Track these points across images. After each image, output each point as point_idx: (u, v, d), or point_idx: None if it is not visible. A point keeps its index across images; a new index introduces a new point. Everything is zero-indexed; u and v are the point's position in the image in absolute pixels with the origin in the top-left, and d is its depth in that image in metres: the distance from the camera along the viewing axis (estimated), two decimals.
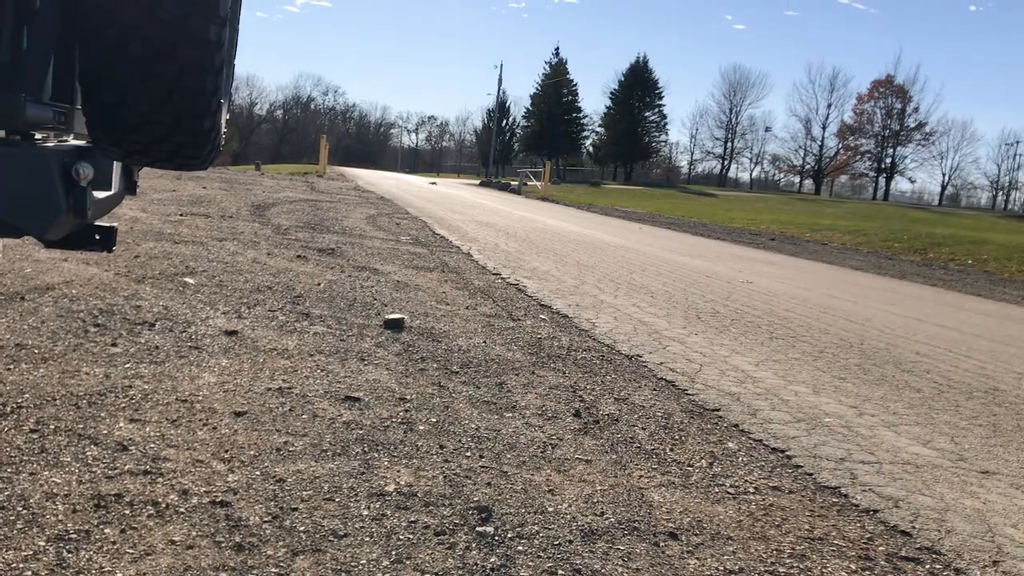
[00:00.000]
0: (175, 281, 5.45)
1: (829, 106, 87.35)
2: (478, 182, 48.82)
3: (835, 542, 2.50)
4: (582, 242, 12.61)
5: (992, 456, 3.50)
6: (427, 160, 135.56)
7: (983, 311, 8.97)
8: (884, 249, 19.54)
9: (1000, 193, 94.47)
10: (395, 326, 4.96)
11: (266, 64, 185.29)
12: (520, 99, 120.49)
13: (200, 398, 3.17)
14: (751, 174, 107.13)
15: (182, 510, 2.23)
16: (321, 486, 2.50)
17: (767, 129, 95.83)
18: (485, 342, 4.83)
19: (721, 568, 2.25)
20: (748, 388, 4.30)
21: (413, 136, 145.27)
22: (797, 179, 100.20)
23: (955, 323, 7.56)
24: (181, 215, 9.70)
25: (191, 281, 5.53)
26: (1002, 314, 8.91)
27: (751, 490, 2.87)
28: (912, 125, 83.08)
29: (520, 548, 2.23)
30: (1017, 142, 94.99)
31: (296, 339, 4.34)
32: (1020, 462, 3.46)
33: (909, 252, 19.14)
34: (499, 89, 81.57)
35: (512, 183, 40.68)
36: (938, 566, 2.40)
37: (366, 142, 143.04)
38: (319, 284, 6.15)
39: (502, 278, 7.67)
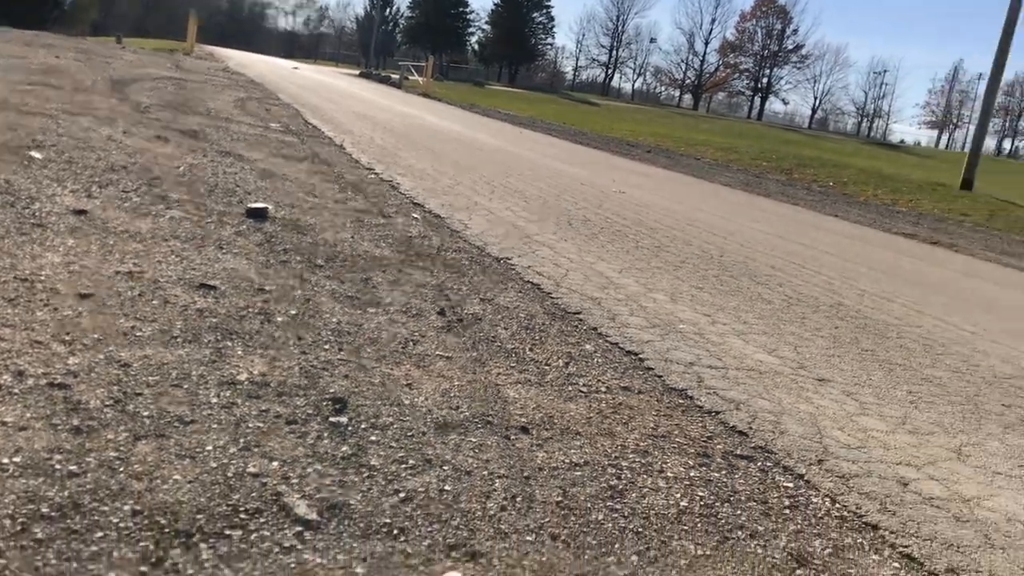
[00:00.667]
0: (20, 154, 5.08)
1: (713, 21, 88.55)
2: (357, 72, 47.30)
3: (677, 440, 2.62)
4: (462, 142, 12.47)
5: (830, 365, 3.73)
6: (304, 45, 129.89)
7: (838, 231, 9.44)
8: (753, 167, 20.17)
9: (865, 120, 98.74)
10: (258, 215, 4.80)
11: None
12: None
13: (42, 278, 3.00)
14: (633, 85, 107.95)
15: (16, 391, 2.13)
16: (169, 372, 2.42)
17: (652, 40, 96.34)
18: (353, 237, 4.74)
19: (567, 461, 2.33)
20: (610, 294, 4.40)
21: (290, 19, 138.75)
22: (677, 93, 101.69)
23: (811, 241, 7.93)
24: (30, 85, 9.01)
25: (38, 155, 5.17)
26: (855, 235, 9.40)
27: (603, 389, 2.97)
28: (790, 47, 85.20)
29: (373, 438, 2.24)
30: (884, 71, 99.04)
31: (151, 222, 4.14)
32: (853, 371, 3.70)
33: (776, 171, 19.84)
34: None
35: (393, 76, 39.62)
36: (769, 463, 2.56)
37: (239, 21, 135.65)
38: (179, 167, 5.87)
39: (376, 174, 7.51)
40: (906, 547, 2.16)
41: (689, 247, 6.34)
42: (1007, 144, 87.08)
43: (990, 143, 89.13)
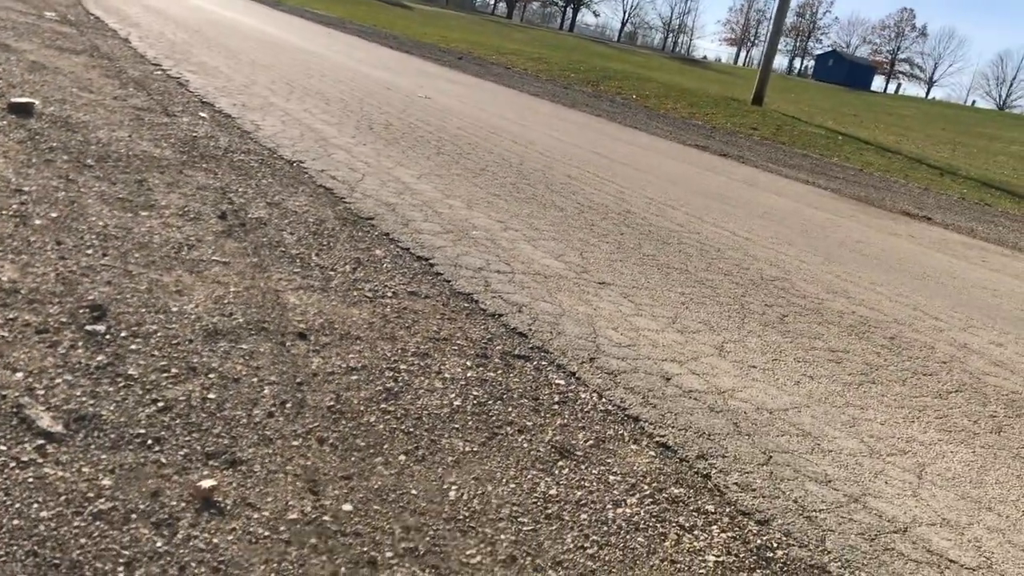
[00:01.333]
0: None
1: None
2: None
3: (458, 342, 2.66)
4: (262, 40, 11.85)
5: (612, 270, 3.88)
6: None
7: (635, 142, 9.76)
8: (561, 78, 20.42)
9: (671, 35, 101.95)
10: (22, 111, 4.37)
11: None
12: None
13: None
14: None
15: None
16: None
17: None
18: (131, 136, 4.43)
19: (344, 366, 2.31)
20: (406, 200, 4.36)
21: None
22: (492, 0, 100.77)
23: (608, 151, 8.16)
24: None
25: None
26: (651, 146, 9.76)
27: (389, 295, 2.95)
28: None
29: (133, 347, 2.13)
30: None
31: None
32: (633, 275, 3.87)
33: (583, 83, 20.18)
34: None
35: None
36: (544, 362, 2.65)
37: None
38: None
39: (163, 70, 7.02)
40: (663, 437, 2.31)
41: (490, 155, 6.36)
42: (797, 63, 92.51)
43: (782, 61, 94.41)
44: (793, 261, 4.90)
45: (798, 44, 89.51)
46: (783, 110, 21.26)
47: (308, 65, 9.72)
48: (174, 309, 2.41)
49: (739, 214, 6.10)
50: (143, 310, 2.35)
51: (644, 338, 3.04)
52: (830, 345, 3.46)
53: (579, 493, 1.93)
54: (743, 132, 15.26)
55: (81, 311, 2.26)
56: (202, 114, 5.52)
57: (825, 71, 65.25)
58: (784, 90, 37.27)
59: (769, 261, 4.77)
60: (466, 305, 3.02)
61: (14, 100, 4.46)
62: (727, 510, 2.01)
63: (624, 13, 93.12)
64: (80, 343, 2.09)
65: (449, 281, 3.23)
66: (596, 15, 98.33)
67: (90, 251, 2.70)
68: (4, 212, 2.86)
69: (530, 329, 2.88)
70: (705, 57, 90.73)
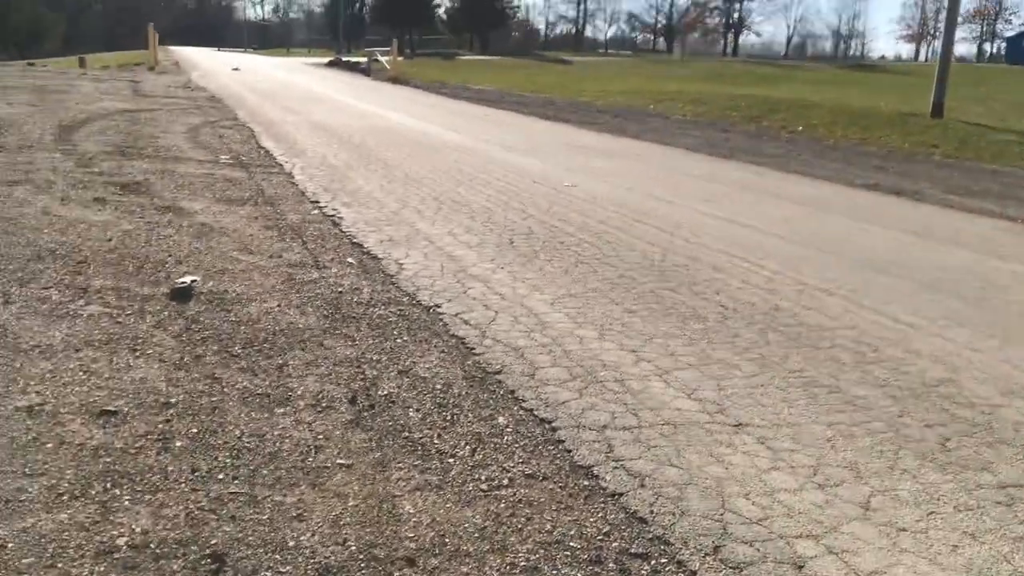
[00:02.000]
0: None
1: None
2: (327, 60, 46.89)
3: (571, 544, 2.61)
4: (419, 144, 12.36)
5: (751, 403, 3.70)
6: (277, 34, 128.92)
7: (797, 198, 9.35)
8: (722, 119, 20.02)
9: (841, 42, 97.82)
10: (182, 296, 4.76)
11: None
12: None
13: None
14: (606, 36, 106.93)
15: None
16: (45, 548, 2.41)
17: None
18: (280, 305, 4.71)
19: None
20: (535, 339, 4.37)
21: (259, 8, 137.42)
22: (652, 37, 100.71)
23: (764, 221, 7.86)
24: None
25: None
26: (813, 200, 9.32)
27: (505, 482, 2.95)
28: None
29: None
30: None
31: (65, 327, 4.12)
32: (774, 406, 3.67)
33: (745, 121, 19.69)
34: None
35: (362, 62, 39.26)
36: (663, 559, 2.55)
37: (208, 16, 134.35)
38: (110, 239, 5.83)
39: (319, 208, 7.46)
40: None
41: (632, 253, 6.29)
42: (988, 48, 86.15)
43: (969, 48, 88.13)
44: (963, 351, 4.49)
45: (985, 28, 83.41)
46: (968, 116, 19.80)
47: (459, 167, 10.03)
48: (291, 544, 2.51)
49: (904, 288, 5.69)
50: (261, 551, 2.46)
51: (779, 505, 2.87)
52: (1000, 479, 3.13)
53: None
54: (921, 154, 14.32)
55: (203, 563, 2.40)
56: (350, 259, 5.80)
57: (1019, 53, 60.38)
58: (973, 83, 34.76)
59: (934, 356, 4.40)
60: (586, 484, 2.97)
61: (176, 285, 4.86)
62: None
63: (788, 28, 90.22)
64: None
65: (570, 451, 3.19)
66: (758, 35, 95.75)
67: (222, 475, 2.87)
68: (151, 437, 3.10)
69: (651, 511, 2.79)
70: (883, 57, 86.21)
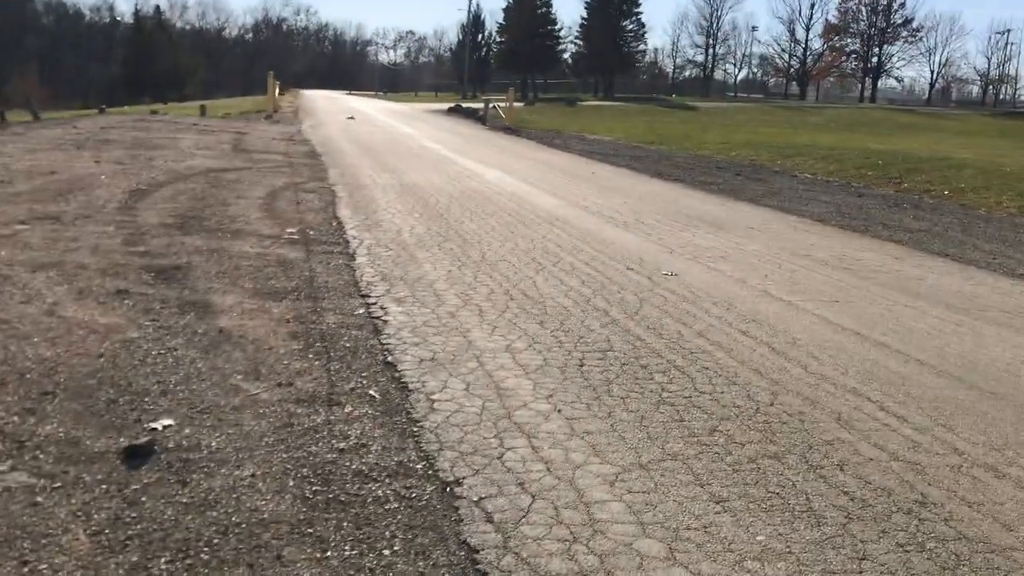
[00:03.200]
0: None
1: (812, 6, 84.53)
2: (448, 107, 47.01)
3: None
4: (509, 213, 11.31)
5: None
6: (407, 77, 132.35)
7: (946, 297, 7.76)
8: (857, 179, 18.30)
9: (991, 87, 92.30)
10: (138, 456, 3.76)
11: None
12: (496, 12, 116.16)
13: None
14: (735, 79, 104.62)
15: None
16: None
17: (754, 29, 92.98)
18: (255, 475, 3.64)
19: None
20: (577, 559, 3.13)
21: (391, 53, 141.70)
22: (784, 79, 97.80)
23: (903, 333, 6.37)
24: (22, 222, 8.39)
25: None
26: (966, 301, 7.70)
27: None
28: (899, 21, 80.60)
29: None
30: (1008, 31, 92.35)
31: None
32: None
33: (883, 182, 17.91)
34: (471, 2, 78.54)
35: (479, 109, 38.94)
36: None
37: (343, 62, 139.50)
38: (101, 356, 4.94)
39: (367, 304, 6.44)
40: None
41: (732, 387, 4.97)
42: None
43: None
44: None
45: None
46: None
47: (545, 248, 8.88)
48: None
49: None
50: None
51: None
52: None
53: None
54: None
55: None
56: (372, 391, 4.71)
57: None
58: None
59: None
60: None
61: (136, 442, 3.86)
62: None
63: (932, 73, 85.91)
64: None
65: None
66: (899, 80, 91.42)
67: None
68: None
69: None
70: None
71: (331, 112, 38.14)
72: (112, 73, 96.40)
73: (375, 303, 6.46)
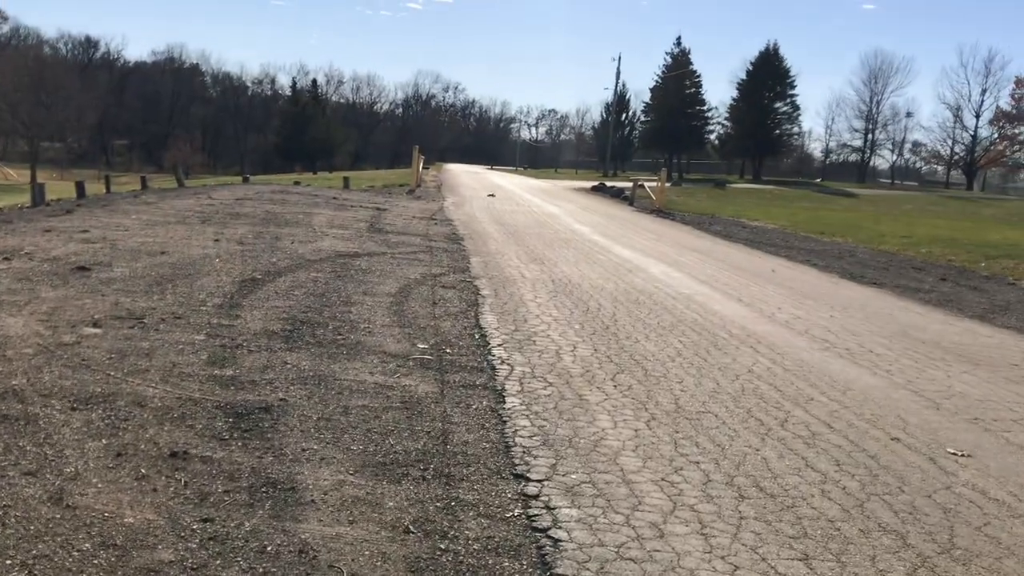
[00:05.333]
0: None
1: (984, 92, 79.29)
2: (591, 185, 45.31)
3: None
4: (692, 325, 9.00)
5: None
6: (547, 155, 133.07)
7: None
8: None
9: None
10: None
11: (387, 62, 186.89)
12: (641, 92, 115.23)
13: None
14: (892, 165, 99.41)
15: None
16: None
17: (909, 115, 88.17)
18: None
19: None
20: None
21: (533, 130, 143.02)
22: (940, 168, 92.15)
23: None
24: (96, 323, 6.70)
25: None
26: None
27: None
28: None
29: None
30: None
31: None
32: None
33: None
34: (617, 82, 77.87)
35: (626, 189, 36.92)
36: None
37: (486, 138, 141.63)
38: None
39: (525, 498, 4.24)
40: None
41: None
42: None
43: None
44: None
45: None
46: None
47: (759, 392, 6.56)
48: None
49: None
50: None
51: None
52: None
53: None
54: None
55: None
56: None
57: None
58: None
59: None
60: None
61: None
62: None
63: None
64: None
65: None
66: None
67: None
68: None
69: None
70: None
71: (473, 188, 36.97)
72: (267, 143, 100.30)
73: (537, 496, 4.26)
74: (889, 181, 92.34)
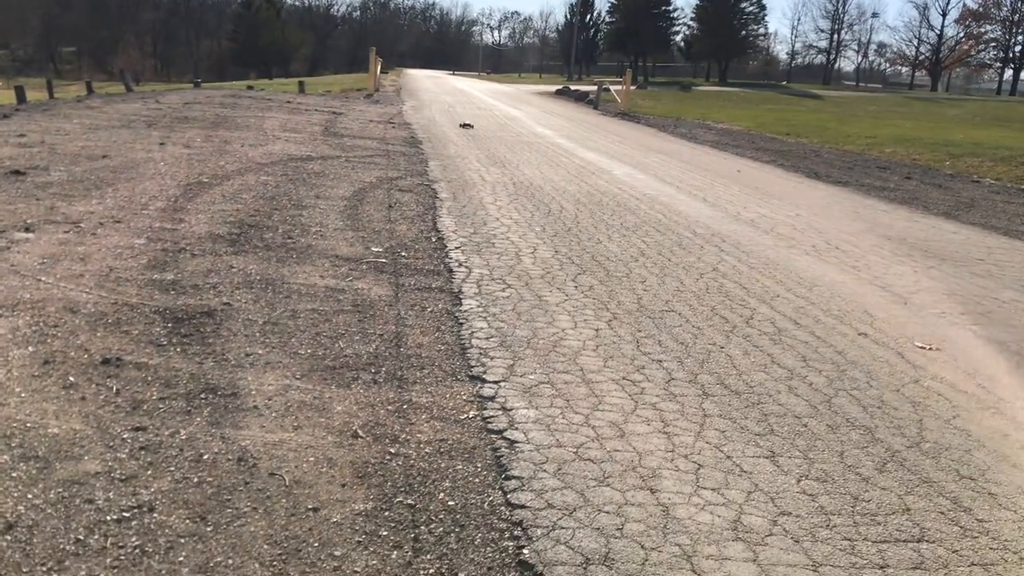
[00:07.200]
0: None
1: None
2: (555, 89, 44.45)
3: None
4: (656, 225, 8.78)
5: None
6: (510, 59, 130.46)
7: None
8: None
9: None
10: None
11: None
12: None
13: None
14: (858, 67, 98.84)
15: None
16: None
17: (875, 15, 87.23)
18: None
19: None
20: None
21: (495, 33, 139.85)
22: (904, 70, 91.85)
23: None
24: (28, 228, 6.33)
25: None
26: None
27: None
28: None
29: None
30: None
31: None
32: None
33: None
34: None
35: (590, 92, 36.24)
36: None
37: (447, 41, 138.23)
38: (10, 525, 2.68)
39: (480, 399, 4.05)
40: None
41: None
42: None
43: None
44: None
45: None
46: None
47: (724, 289, 6.39)
48: None
49: None
50: None
51: None
52: None
53: None
54: None
55: None
56: None
57: None
58: None
59: None
60: None
61: None
62: None
63: None
64: None
65: None
66: None
67: None
68: None
69: None
70: None
71: (434, 92, 36.07)
72: (221, 49, 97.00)
73: (493, 397, 4.06)
74: (854, 83, 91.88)
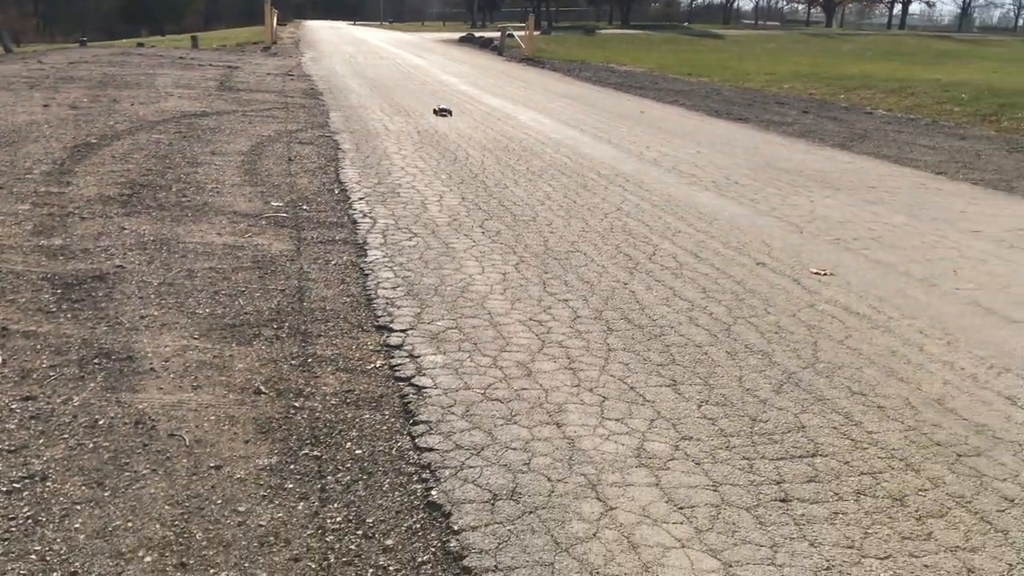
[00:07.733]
0: None
1: None
2: (459, 36, 43.81)
3: None
4: (562, 168, 8.80)
5: None
6: (413, 8, 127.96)
7: None
8: (943, 116, 15.67)
9: (1021, 11, 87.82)
10: None
11: None
12: None
13: None
14: (756, 5, 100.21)
15: None
16: None
17: None
18: None
19: None
20: None
21: None
22: (801, 7, 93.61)
23: None
24: None
25: None
26: None
27: None
28: None
29: None
30: None
31: None
32: None
33: (976, 120, 15.32)
34: None
35: (494, 39, 35.85)
36: None
37: None
38: None
39: (387, 348, 4.03)
40: None
41: None
42: None
43: None
44: None
45: None
46: None
47: (627, 228, 6.45)
48: None
49: None
50: None
51: None
52: None
53: None
54: None
55: None
56: None
57: None
58: None
59: None
60: None
61: None
62: None
63: None
64: None
65: None
66: (931, 5, 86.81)
67: None
68: None
69: None
70: None
71: (334, 43, 35.18)
72: (109, 5, 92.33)
73: (400, 346, 4.04)
74: (753, 22, 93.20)
